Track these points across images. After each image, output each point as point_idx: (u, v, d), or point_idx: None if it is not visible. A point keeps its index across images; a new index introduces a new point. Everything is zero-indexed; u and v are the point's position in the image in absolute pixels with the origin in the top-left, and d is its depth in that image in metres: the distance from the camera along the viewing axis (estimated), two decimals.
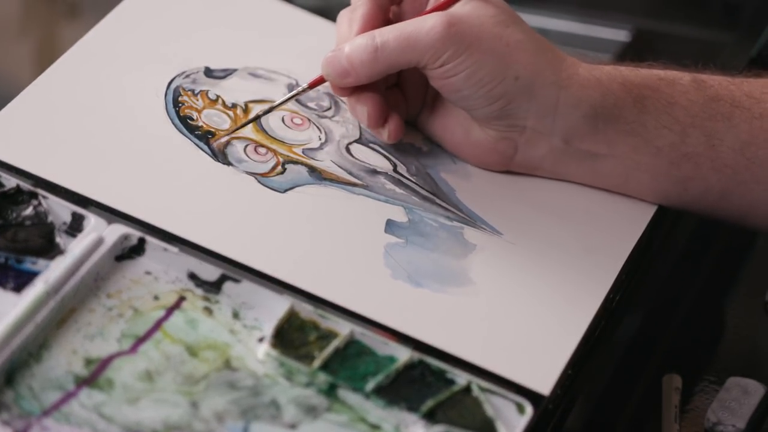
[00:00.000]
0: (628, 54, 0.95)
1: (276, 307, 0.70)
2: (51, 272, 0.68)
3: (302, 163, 0.77)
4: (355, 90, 0.75)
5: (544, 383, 0.68)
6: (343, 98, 0.78)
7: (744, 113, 0.74)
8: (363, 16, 0.74)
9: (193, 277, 0.71)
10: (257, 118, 0.78)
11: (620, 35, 0.96)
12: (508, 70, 0.72)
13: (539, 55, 0.73)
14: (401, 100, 0.78)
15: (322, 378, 0.68)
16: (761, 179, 0.74)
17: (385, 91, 0.76)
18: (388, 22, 0.75)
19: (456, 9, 0.73)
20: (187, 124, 0.78)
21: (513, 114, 0.73)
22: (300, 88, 0.77)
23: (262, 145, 0.78)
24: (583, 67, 0.74)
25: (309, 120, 0.80)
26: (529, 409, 0.67)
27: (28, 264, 0.69)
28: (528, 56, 0.72)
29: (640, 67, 0.76)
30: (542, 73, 0.73)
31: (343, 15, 0.76)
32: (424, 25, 0.72)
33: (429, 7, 0.76)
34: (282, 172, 0.77)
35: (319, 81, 0.76)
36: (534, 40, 0.73)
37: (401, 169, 0.78)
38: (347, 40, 0.74)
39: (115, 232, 0.71)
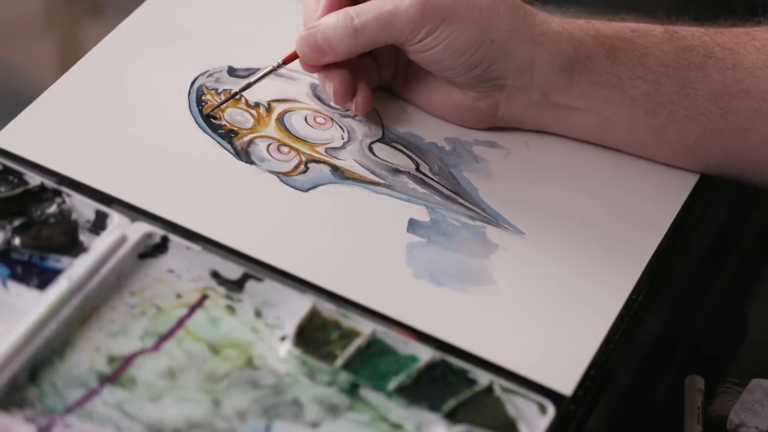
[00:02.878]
0: None
1: (298, 306, 0.70)
2: (74, 270, 0.69)
3: (325, 162, 0.77)
4: (324, 66, 0.76)
5: (566, 383, 0.68)
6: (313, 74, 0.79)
7: (717, 63, 0.75)
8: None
9: (215, 275, 0.71)
10: (236, 94, 0.78)
11: None
12: (485, 35, 0.74)
13: (512, 16, 0.74)
14: (373, 68, 0.79)
15: (344, 377, 0.68)
16: (736, 129, 0.75)
17: (357, 60, 0.77)
18: None
19: None
20: (210, 123, 0.78)
21: (492, 75, 0.75)
22: (274, 65, 0.78)
23: (285, 144, 0.78)
24: (555, 21, 0.76)
25: (332, 119, 0.80)
26: (551, 410, 0.67)
27: (52, 261, 0.70)
28: (501, 18, 0.74)
29: (613, 20, 0.77)
30: (517, 32, 0.75)
31: None
32: (402, 4, 0.73)
33: None
34: (304, 171, 0.77)
35: (294, 57, 0.77)
36: (504, 1, 0.75)
37: (424, 168, 0.78)
38: (314, 18, 0.75)
39: (138, 230, 0.71)
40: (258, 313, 0.70)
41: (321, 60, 0.76)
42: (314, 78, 0.81)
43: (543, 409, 0.67)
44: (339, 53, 0.75)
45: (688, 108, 0.75)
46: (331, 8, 0.75)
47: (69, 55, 0.89)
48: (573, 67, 0.75)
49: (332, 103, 0.80)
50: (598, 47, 0.75)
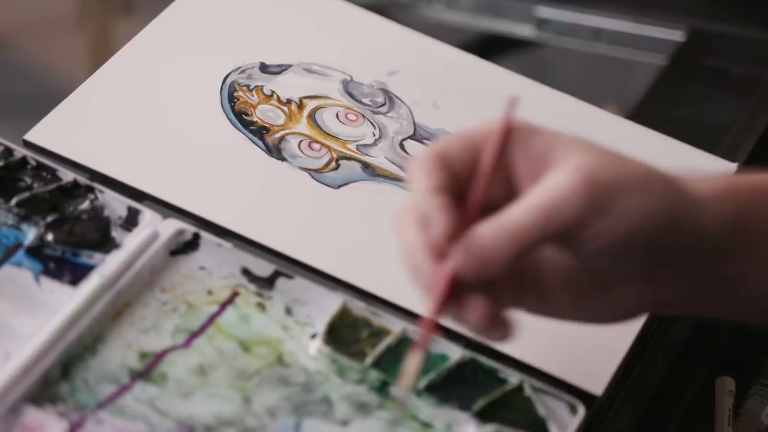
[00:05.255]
0: (683, 54, 0.94)
1: (328, 304, 0.70)
2: (107, 266, 0.69)
3: (356, 159, 0.77)
4: (458, 297, 0.61)
5: (596, 384, 0.68)
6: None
7: None
8: (443, 209, 0.60)
9: (246, 272, 0.71)
10: None
11: (675, 35, 0.95)
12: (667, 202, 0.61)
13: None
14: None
15: (374, 375, 0.68)
16: None
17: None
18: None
19: (578, 161, 0.60)
20: (242, 120, 0.78)
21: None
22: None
23: (316, 141, 0.78)
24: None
25: (363, 116, 0.80)
26: (581, 410, 0.67)
27: (85, 257, 0.70)
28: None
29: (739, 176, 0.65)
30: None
31: (411, 225, 0.61)
32: (561, 189, 0.59)
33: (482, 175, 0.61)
34: (336, 168, 0.77)
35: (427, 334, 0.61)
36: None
37: None
38: (421, 252, 0.61)
39: (169, 227, 0.71)
40: (288, 311, 0.70)
41: (481, 277, 0.60)
42: (345, 74, 0.81)
43: (573, 409, 0.67)
44: (500, 267, 0.60)
45: None
46: (453, 217, 0.60)
47: (101, 53, 0.89)
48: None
49: (364, 100, 0.80)
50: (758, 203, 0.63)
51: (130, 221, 0.71)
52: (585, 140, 0.61)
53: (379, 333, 0.69)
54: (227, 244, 0.71)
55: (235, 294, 0.70)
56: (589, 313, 0.64)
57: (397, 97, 0.81)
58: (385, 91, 0.81)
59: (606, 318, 0.64)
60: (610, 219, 0.59)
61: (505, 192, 0.62)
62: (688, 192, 0.61)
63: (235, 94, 0.79)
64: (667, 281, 0.63)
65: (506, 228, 0.59)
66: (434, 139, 0.79)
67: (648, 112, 0.91)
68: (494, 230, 0.60)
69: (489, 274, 0.60)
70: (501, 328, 0.61)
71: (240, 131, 0.78)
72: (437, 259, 0.60)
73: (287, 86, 0.80)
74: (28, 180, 0.73)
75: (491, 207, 0.61)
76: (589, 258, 0.61)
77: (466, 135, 0.62)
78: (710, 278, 0.63)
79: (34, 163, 0.73)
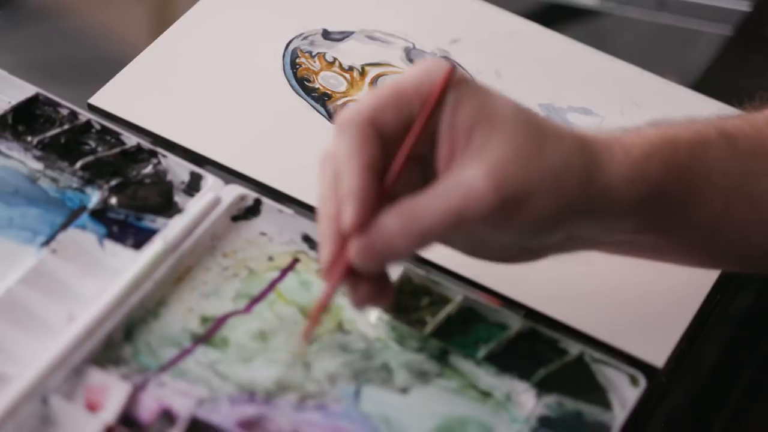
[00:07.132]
0: (749, 25, 0.93)
1: (389, 272, 0.69)
2: (169, 230, 0.69)
3: None
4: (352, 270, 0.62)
5: (657, 356, 0.68)
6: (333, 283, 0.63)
7: None
8: (358, 197, 0.60)
9: (307, 239, 0.71)
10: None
11: (741, 5, 0.94)
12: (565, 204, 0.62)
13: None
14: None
15: (434, 343, 0.68)
16: None
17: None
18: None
19: (492, 159, 0.60)
20: (304, 86, 0.78)
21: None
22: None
23: None
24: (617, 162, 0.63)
25: None
26: (642, 382, 0.66)
27: (147, 222, 0.70)
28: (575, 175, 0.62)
29: (667, 133, 0.65)
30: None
31: (330, 189, 0.62)
32: (471, 192, 0.60)
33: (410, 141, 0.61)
34: None
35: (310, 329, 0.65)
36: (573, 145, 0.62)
37: None
38: (329, 226, 0.61)
39: (231, 192, 0.71)
40: None
41: (379, 267, 0.62)
42: (407, 41, 0.81)
43: (634, 381, 0.66)
44: (401, 257, 0.62)
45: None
46: (365, 206, 0.60)
47: (164, 18, 0.89)
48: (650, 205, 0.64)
49: None
50: (671, 177, 0.64)
51: (193, 186, 0.72)
52: (508, 116, 0.61)
53: (440, 301, 0.69)
54: (288, 211, 0.71)
55: (295, 260, 0.70)
56: (488, 255, 0.65)
57: (459, 65, 0.80)
58: (448, 59, 0.81)
59: (503, 260, 0.66)
60: (518, 218, 0.61)
61: (431, 148, 0.62)
62: (600, 180, 0.62)
63: (297, 60, 0.79)
64: (578, 243, 0.65)
65: (411, 224, 0.60)
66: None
67: (711, 83, 0.90)
68: (399, 224, 0.60)
69: (386, 264, 0.62)
70: (383, 301, 0.63)
71: (302, 98, 0.78)
72: (341, 240, 0.61)
73: (349, 53, 0.80)
74: (93, 143, 0.73)
75: (417, 158, 0.62)
76: (494, 235, 0.63)
77: (399, 93, 0.62)
78: (622, 241, 0.65)
79: (98, 126, 0.74)
